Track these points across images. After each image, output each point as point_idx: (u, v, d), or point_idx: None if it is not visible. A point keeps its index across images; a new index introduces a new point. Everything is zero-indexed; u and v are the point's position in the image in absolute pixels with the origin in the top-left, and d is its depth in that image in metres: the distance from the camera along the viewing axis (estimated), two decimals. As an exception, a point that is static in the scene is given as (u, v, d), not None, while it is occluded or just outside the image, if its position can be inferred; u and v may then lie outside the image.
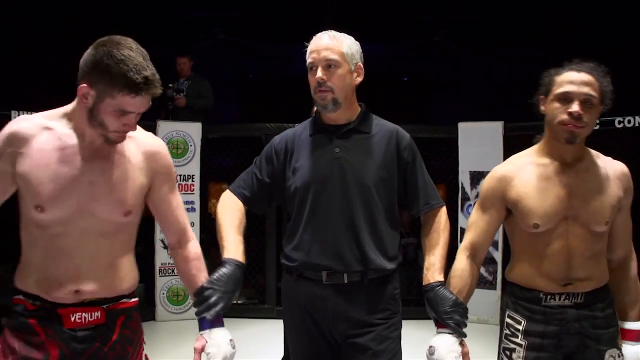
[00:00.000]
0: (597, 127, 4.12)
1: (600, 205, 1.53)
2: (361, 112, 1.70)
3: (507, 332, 1.64)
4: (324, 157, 1.64)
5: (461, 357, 1.51)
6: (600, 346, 1.54)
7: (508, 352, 1.62)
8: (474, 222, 1.68)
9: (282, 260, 1.72)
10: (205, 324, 1.45)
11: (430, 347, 1.52)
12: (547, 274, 1.56)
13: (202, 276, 1.53)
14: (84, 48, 1.33)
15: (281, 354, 3.15)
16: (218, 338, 1.42)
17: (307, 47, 1.67)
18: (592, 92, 1.48)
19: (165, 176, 1.50)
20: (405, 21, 9.03)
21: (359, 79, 1.67)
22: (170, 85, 5.22)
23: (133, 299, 1.49)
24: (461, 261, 1.65)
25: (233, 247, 1.57)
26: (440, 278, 1.59)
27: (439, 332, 1.54)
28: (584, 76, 1.50)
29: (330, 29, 1.66)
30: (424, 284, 1.60)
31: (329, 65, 1.59)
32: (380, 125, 1.71)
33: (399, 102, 9.46)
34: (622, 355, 1.56)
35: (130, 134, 1.39)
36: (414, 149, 1.70)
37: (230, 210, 1.67)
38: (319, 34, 1.65)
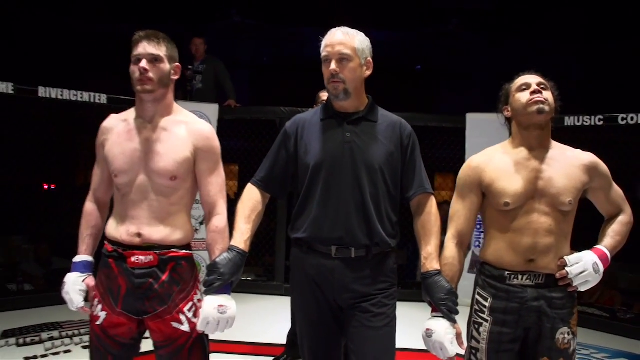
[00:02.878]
0: (601, 123, 4.26)
1: (563, 187, 1.72)
2: (369, 103, 1.87)
3: (476, 308, 1.83)
4: (335, 140, 1.81)
5: (455, 337, 1.69)
6: (554, 324, 1.72)
7: (476, 326, 1.81)
8: (456, 212, 1.87)
9: (291, 234, 1.87)
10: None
11: (428, 329, 1.70)
12: (514, 248, 1.74)
13: (216, 248, 1.79)
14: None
15: (286, 327, 3.35)
16: (205, 304, 1.68)
17: (321, 40, 1.83)
18: (544, 80, 1.80)
19: (205, 154, 1.82)
20: (420, 9, 9.05)
21: (368, 72, 1.84)
22: (190, 67, 5.34)
23: (183, 251, 1.82)
24: (450, 250, 1.83)
25: (239, 236, 1.76)
26: (437, 267, 1.76)
27: (433, 317, 1.72)
28: (534, 74, 1.83)
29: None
30: (422, 271, 1.78)
31: (342, 59, 1.76)
32: (385, 115, 1.89)
33: (411, 90, 9.53)
34: (572, 334, 1.74)
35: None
36: (415, 138, 1.88)
37: (245, 201, 1.85)
38: (333, 30, 1.81)
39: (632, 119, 4.12)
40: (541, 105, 1.73)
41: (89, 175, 1.96)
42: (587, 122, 4.28)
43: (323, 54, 1.79)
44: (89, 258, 1.84)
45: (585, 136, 4.23)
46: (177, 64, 1.83)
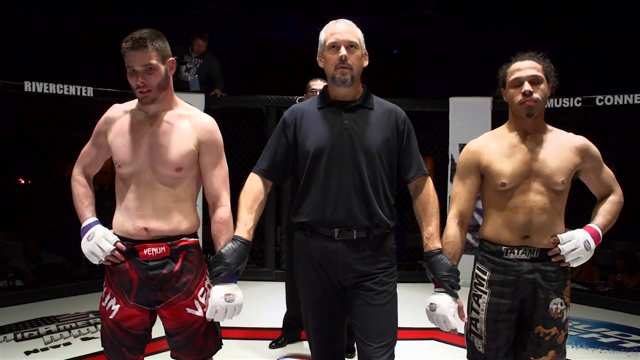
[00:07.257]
0: (580, 104, 4.41)
1: (556, 167, 1.83)
2: (364, 91, 1.94)
3: (476, 281, 1.95)
4: (334, 127, 1.87)
5: (457, 310, 1.81)
6: (547, 295, 1.84)
7: (476, 298, 1.93)
8: (457, 193, 1.97)
9: (294, 219, 1.94)
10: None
11: (432, 304, 1.81)
12: (510, 225, 1.85)
13: (221, 239, 1.83)
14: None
15: (279, 312, 3.43)
16: (212, 293, 1.74)
17: (319, 30, 1.90)
18: (537, 72, 1.84)
19: (209, 147, 1.84)
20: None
21: (366, 63, 1.93)
22: (174, 57, 5.26)
23: (192, 239, 1.86)
24: (452, 228, 1.93)
25: (242, 226, 1.82)
26: (439, 246, 1.87)
27: (436, 292, 1.83)
28: (528, 62, 1.86)
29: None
30: (425, 250, 1.88)
31: (351, 45, 1.84)
32: (380, 103, 1.96)
33: (389, 75, 9.60)
34: (565, 305, 1.86)
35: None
36: (409, 124, 1.97)
37: (247, 191, 1.90)
38: (335, 21, 1.89)
39: (608, 100, 4.29)
40: (530, 110, 1.82)
41: (66, 169, 1.98)
42: (566, 104, 4.43)
43: (330, 41, 1.85)
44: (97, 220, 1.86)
45: (565, 118, 4.37)
46: (171, 58, 1.80)
